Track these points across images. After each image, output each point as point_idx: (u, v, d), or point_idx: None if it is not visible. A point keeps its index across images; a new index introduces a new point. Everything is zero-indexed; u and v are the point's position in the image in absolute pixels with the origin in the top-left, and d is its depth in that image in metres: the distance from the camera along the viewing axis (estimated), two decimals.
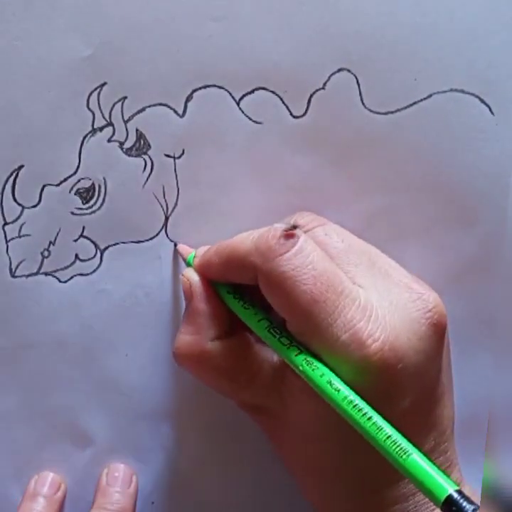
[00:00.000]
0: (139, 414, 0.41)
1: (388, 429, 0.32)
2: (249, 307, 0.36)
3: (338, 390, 0.33)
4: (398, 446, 0.31)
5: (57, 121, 0.38)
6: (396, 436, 0.32)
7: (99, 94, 0.38)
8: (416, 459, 0.31)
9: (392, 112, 0.39)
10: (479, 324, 0.41)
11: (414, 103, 0.39)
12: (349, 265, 0.36)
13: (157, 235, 0.40)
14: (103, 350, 0.40)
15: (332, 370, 0.34)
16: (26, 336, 0.40)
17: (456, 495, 0.30)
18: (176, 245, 0.40)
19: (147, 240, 0.40)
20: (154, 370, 0.41)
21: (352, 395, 0.33)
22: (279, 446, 0.39)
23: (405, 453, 0.31)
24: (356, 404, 0.32)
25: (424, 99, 0.39)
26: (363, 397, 0.33)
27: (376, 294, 0.35)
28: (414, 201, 0.40)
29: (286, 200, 0.39)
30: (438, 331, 0.35)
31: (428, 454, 0.35)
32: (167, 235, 0.40)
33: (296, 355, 0.34)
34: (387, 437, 0.32)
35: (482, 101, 0.39)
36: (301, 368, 0.34)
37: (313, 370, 0.33)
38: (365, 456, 0.33)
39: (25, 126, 0.38)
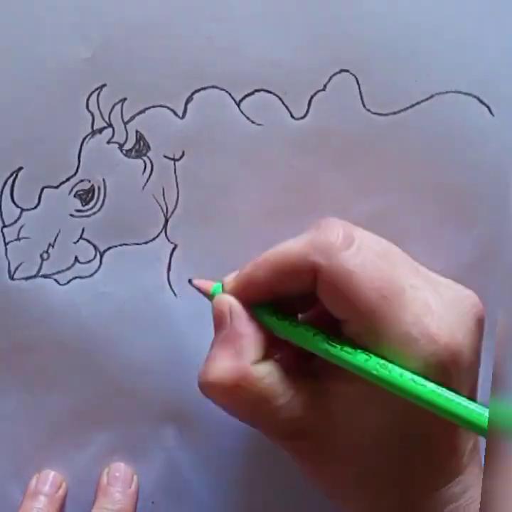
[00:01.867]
0: (138, 415, 0.41)
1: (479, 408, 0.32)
2: (298, 325, 0.35)
3: (424, 385, 0.32)
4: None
5: (57, 123, 0.38)
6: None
7: (98, 95, 0.38)
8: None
9: (392, 113, 0.39)
10: None
11: (415, 104, 0.39)
12: (397, 265, 0.35)
13: (157, 236, 0.40)
14: (103, 353, 0.40)
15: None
16: (26, 338, 0.40)
17: None
18: (190, 282, 0.37)
19: (147, 242, 0.40)
20: (154, 372, 0.41)
21: (436, 387, 0.32)
22: (318, 470, 0.37)
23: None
24: (444, 395, 0.32)
25: (425, 100, 0.39)
26: None
27: (428, 292, 0.34)
28: (414, 201, 0.40)
29: (287, 201, 0.39)
30: (481, 326, 0.35)
31: (471, 453, 0.35)
32: (167, 237, 0.40)
33: (365, 360, 0.33)
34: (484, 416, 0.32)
35: (482, 102, 0.39)
36: (375, 372, 0.33)
37: (390, 372, 0.33)
38: (423, 461, 0.33)
39: (25, 128, 0.38)
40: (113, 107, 0.38)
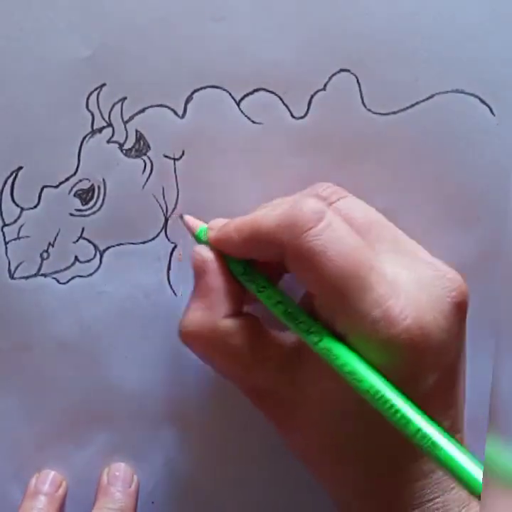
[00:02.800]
0: (139, 414, 0.41)
1: (417, 421, 0.31)
2: (264, 289, 0.35)
3: (361, 381, 0.32)
4: (429, 439, 0.31)
5: (57, 122, 0.38)
6: (425, 428, 0.31)
7: (98, 94, 0.38)
8: (449, 453, 0.31)
9: (393, 113, 0.39)
10: (479, 324, 0.41)
11: (415, 104, 0.39)
12: (374, 242, 0.35)
13: (157, 236, 0.40)
14: (103, 352, 0.40)
15: (358, 348, 0.33)
16: (26, 338, 0.40)
17: None
18: (181, 217, 0.38)
19: (147, 242, 0.40)
20: (154, 371, 0.41)
21: (376, 386, 0.32)
22: (288, 434, 0.38)
23: (436, 447, 0.31)
24: (381, 397, 0.32)
25: (425, 99, 0.39)
26: (388, 375, 0.33)
27: (403, 271, 0.35)
28: (414, 201, 0.40)
29: None
30: (461, 310, 0.35)
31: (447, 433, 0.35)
32: (167, 237, 0.40)
33: (315, 343, 0.34)
34: (416, 431, 0.31)
35: (483, 101, 0.39)
36: (321, 355, 0.33)
37: (334, 359, 0.33)
38: (387, 434, 0.33)
39: (25, 128, 0.38)
40: (113, 106, 0.38)
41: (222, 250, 0.36)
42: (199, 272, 0.36)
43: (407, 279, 0.34)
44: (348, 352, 0.33)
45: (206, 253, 0.36)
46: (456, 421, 0.36)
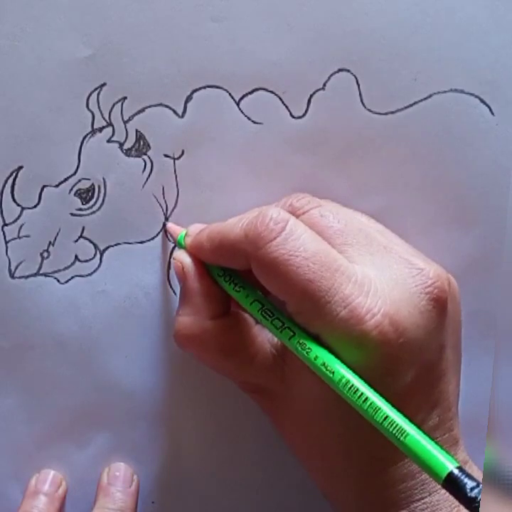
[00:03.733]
0: (139, 414, 0.41)
1: (385, 409, 0.32)
2: (241, 290, 0.36)
3: (333, 372, 0.33)
4: (396, 426, 0.31)
5: (57, 122, 0.38)
6: (393, 416, 0.32)
7: (98, 94, 0.38)
8: (415, 438, 0.31)
9: (392, 112, 0.39)
10: (479, 324, 0.41)
11: (414, 103, 0.39)
12: (345, 244, 0.36)
13: (157, 235, 0.40)
14: (103, 351, 0.40)
15: (335, 349, 0.34)
16: (26, 337, 0.40)
17: (457, 472, 0.30)
18: (164, 225, 0.39)
19: (147, 241, 0.40)
20: (154, 371, 0.41)
21: (347, 376, 0.33)
22: (282, 427, 0.39)
23: (403, 433, 0.31)
24: (352, 386, 0.32)
25: (424, 99, 0.39)
26: (364, 374, 0.33)
27: (374, 270, 0.35)
28: (414, 201, 0.40)
29: None
30: (438, 306, 0.35)
31: (433, 431, 0.35)
32: (167, 236, 0.40)
33: (289, 338, 0.34)
34: (384, 418, 0.32)
35: (482, 101, 0.39)
36: (295, 351, 0.34)
37: (307, 352, 0.34)
38: (369, 435, 0.33)
39: (25, 127, 0.38)
40: (113, 106, 0.38)
41: (197, 257, 0.37)
42: (180, 277, 0.38)
43: (378, 278, 0.35)
44: (319, 347, 0.34)
45: (184, 258, 0.37)
46: (444, 420, 0.36)
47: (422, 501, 0.35)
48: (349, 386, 0.33)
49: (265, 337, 0.38)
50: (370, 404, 0.32)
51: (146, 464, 0.42)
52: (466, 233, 0.40)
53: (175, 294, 0.40)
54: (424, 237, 0.40)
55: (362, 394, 0.32)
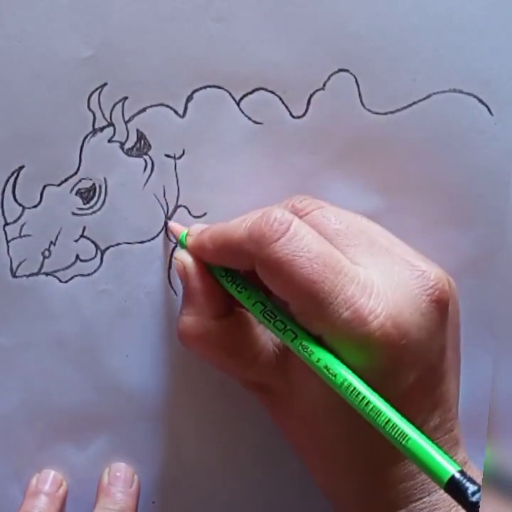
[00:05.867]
0: (139, 414, 0.41)
1: (387, 413, 0.32)
2: (243, 290, 0.36)
3: (335, 375, 0.33)
4: (397, 430, 0.31)
5: (58, 122, 0.38)
6: (395, 419, 0.32)
7: (99, 94, 0.38)
8: (417, 441, 0.31)
9: (391, 112, 0.39)
10: (479, 324, 0.41)
11: (414, 103, 0.39)
12: (348, 246, 0.36)
13: (157, 235, 0.40)
14: (103, 350, 0.40)
15: (337, 350, 0.34)
16: (27, 336, 0.40)
17: (458, 475, 0.30)
18: (166, 224, 0.40)
19: (148, 241, 0.40)
20: (154, 370, 0.41)
21: (349, 379, 0.33)
22: (283, 425, 0.39)
23: (404, 437, 0.31)
24: (354, 389, 0.32)
25: (423, 99, 0.39)
26: (366, 376, 0.33)
27: (377, 272, 0.35)
28: (413, 201, 0.40)
29: None
30: (440, 307, 0.35)
31: (434, 432, 0.35)
32: (167, 236, 0.40)
33: (291, 340, 0.34)
34: (386, 422, 0.32)
35: (481, 101, 0.39)
36: (297, 353, 0.34)
37: (309, 355, 0.34)
38: (370, 435, 0.33)
39: (26, 127, 0.38)
40: (114, 105, 0.38)
41: (199, 257, 0.37)
42: (182, 277, 0.38)
43: (381, 280, 0.35)
44: (321, 349, 0.34)
45: (186, 258, 0.37)
46: (444, 420, 0.36)
47: (421, 501, 0.35)
48: (351, 389, 0.33)
49: (268, 336, 0.38)
50: (372, 407, 0.32)
51: (147, 464, 0.42)
52: (465, 233, 0.40)
53: (176, 294, 0.40)
54: (424, 237, 0.40)
55: (364, 397, 0.32)
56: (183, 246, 0.38)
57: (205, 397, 0.41)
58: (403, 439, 0.31)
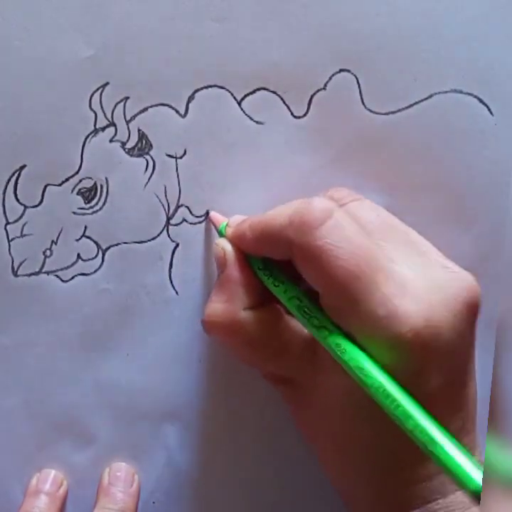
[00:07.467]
0: (140, 413, 0.41)
1: (417, 416, 0.31)
2: (280, 284, 0.36)
3: (367, 376, 0.33)
4: (427, 435, 0.31)
5: (60, 121, 0.38)
6: (425, 424, 0.31)
7: (101, 94, 0.38)
8: (445, 449, 0.31)
9: (392, 113, 0.39)
10: (479, 324, 0.41)
11: (415, 103, 0.39)
12: (384, 241, 0.36)
13: (159, 235, 0.40)
14: (104, 350, 0.40)
15: (365, 347, 0.33)
16: (28, 335, 0.40)
17: None
18: (208, 213, 0.39)
19: (149, 240, 0.40)
20: (155, 370, 0.41)
21: (380, 380, 0.32)
22: (302, 419, 0.39)
23: (433, 443, 0.31)
24: (384, 390, 0.32)
25: (425, 99, 0.39)
26: (395, 374, 0.33)
27: (412, 271, 0.35)
28: (414, 201, 0.40)
29: (288, 200, 0.39)
30: (472, 310, 0.35)
31: (456, 434, 0.34)
32: (169, 235, 0.40)
33: (325, 338, 0.34)
34: (415, 426, 0.31)
35: (481, 101, 0.40)
36: (330, 350, 0.34)
37: (341, 353, 0.33)
38: (394, 435, 0.33)
39: (27, 126, 0.38)
40: (115, 105, 0.38)
41: (239, 247, 0.37)
42: (220, 264, 0.37)
43: (417, 279, 0.34)
44: (355, 348, 0.33)
45: (226, 245, 0.37)
46: (466, 422, 0.36)
47: (436, 502, 0.35)
48: (381, 390, 0.32)
49: (297, 329, 0.37)
50: (403, 410, 0.32)
51: (147, 463, 0.42)
52: (465, 233, 0.41)
53: (176, 293, 0.40)
54: (424, 237, 0.40)
55: (394, 399, 0.32)
56: (222, 236, 0.38)
57: (205, 397, 0.41)
58: (431, 445, 0.31)
